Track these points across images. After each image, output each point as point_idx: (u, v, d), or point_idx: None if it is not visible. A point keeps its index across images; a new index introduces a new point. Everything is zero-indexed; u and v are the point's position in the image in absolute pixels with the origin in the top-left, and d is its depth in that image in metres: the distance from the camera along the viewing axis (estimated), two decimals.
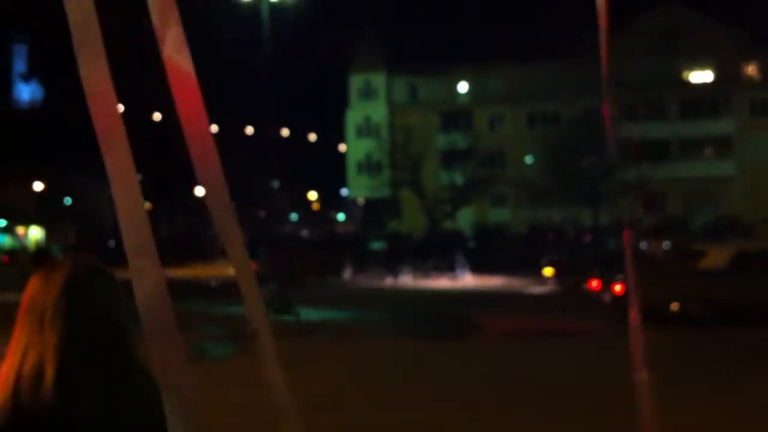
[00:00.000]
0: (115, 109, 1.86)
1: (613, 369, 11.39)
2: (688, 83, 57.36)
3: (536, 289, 26.02)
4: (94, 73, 1.74)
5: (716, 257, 16.09)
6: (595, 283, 17.48)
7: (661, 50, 54.65)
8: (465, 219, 52.96)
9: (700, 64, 56.76)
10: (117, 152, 1.79)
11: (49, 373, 1.69)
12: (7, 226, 57.81)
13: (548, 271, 26.21)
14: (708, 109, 55.73)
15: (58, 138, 53.87)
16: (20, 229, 58.77)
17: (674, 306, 15.42)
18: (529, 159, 55.16)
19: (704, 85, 56.73)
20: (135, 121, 62.06)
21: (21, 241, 56.81)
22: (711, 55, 55.61)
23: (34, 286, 1.81)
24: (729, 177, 54.70)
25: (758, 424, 7.96)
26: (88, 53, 1.68)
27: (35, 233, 58.37)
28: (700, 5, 54.25)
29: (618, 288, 15.95)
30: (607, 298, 16.48)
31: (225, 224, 1.91)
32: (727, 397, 9.24)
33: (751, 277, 15.47)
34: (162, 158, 64.66)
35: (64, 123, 54.13)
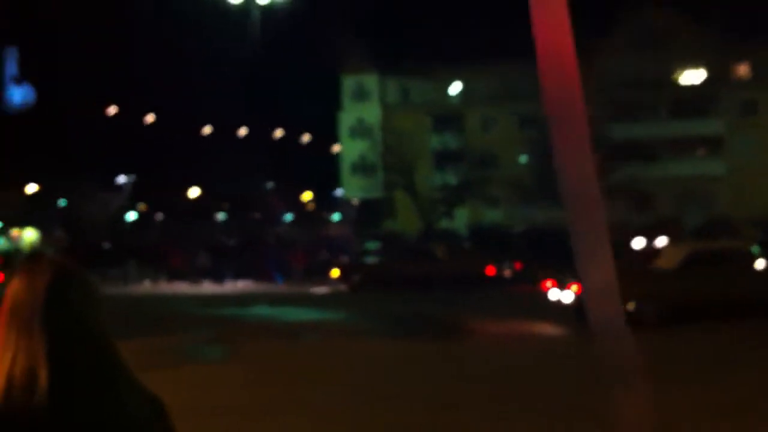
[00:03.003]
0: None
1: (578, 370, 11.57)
2: (678, 83, 57.59)
3: (319, 290, 26.66)
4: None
5: (669, 257, 16.10)
6: (549, 284, 17.35)
7: (651, 51, 54.86)
8: (461, 219, 53.15)
9: (691, 65, 56.99)
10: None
11: (43, 378, 1.67)
12: (1, 228, 57.80)
13: (335, 273, 26.92)
14: (698, 109, 55.96)
15: (51, 140, 53.85)
16: (14, 232, 58.75)
17: (629, 305, 15.41)
18: (524, 159, 55.34)
19: (694, 86, 56.96)
20: (128, 121, 62.03)
21: (15, 244, 56.78)
22: (701, 56, 55.83)
23: (16, 288, 1.77)
24: (719, 177, 54.94)
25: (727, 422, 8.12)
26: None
27: (30, 235, 58.36)
28: (692, 6, 54.48)
29: (575, 288, 15.84)
30: (565, 298, 16.39)
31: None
32: (681, 396, 9.36)
33: (702, 277, 15.41)
34: (154, 159, 64.57)
35: (57, 125, 54.09)
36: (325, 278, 32.25)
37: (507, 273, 26.74)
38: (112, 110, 60.05)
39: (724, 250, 16.53)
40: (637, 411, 1.91)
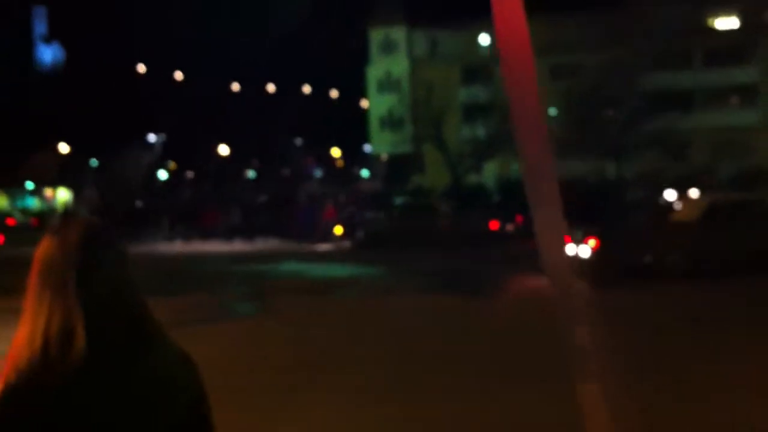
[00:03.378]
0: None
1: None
2: (713, 30, 56.42)
3: (322, 247, 26.71)
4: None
5: (689, 209, 15.92)
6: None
7: None
8: (489, 173, 52.88)
9: (725, 11, 55.76)
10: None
11: (80, 333, 1.69)
12: (35, 188, 58.53)
13: (338, 230, 27.03)
14: (733, 57, 54.87)
15: (82, 100, 54.16)
16: (48, 192, 59.47)
17: (648, 258, 15.22)
18: (553, 111, 54.75)
19: (729, 33, 55.78)
20: (156, 79, 62.23)
21: (49, 204, 57.51)
22: (736, 2, 54.58)
23: (48, 246, 1.78)
24: (754, 126, 54.03)
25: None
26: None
27: (63, 195, 59.06)
28: None
29: (593, 243, 15.49)
30: (581, 253, 15.98)
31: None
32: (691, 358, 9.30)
33: (723, 229, 15.23)
34: (183, 117, 64.89)
35: (88, 84, 54.36)
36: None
37: (509, 228, 27.00)
38: (141, 68, 60.23)
39: (744, 201, 16.30)
40: (586, 344, 2.33)
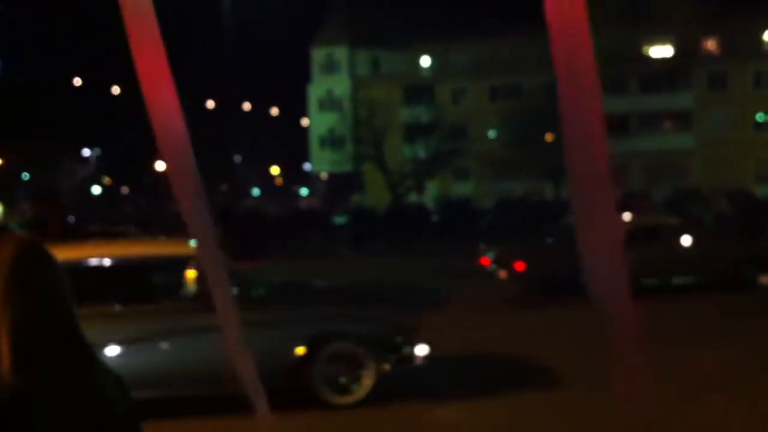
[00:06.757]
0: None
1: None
2: (648, 57, 57.82)
3: None
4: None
5: None
6: (484, 260, 16.37)
7: (621, 24, 54.98)
8: (431, 193, 53.18)
9: (660, 39, 57.24)
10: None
11: (5, 352, 1.60)
12: None
13: None
14: (667, 83, 56.29)
15: (15, 110, 52.89)
16: None
17: (573, 279, 14.98)
18: (492, 133, 55.32)
19: (664, 59, 57.25)
20: (93, 94, 61.14)
21: None
22: (671, 30, 56.08)
23: None
24: (688, 150, 55.41)
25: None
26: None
27: None
28: None
29: (520, 265, 15.26)
30: (502, 275, 15.77)
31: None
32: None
33: (635, 253, 15.30)
34: (120, 132, 63.83)
35: (22, 95, 53.15)
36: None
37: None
38: (77, 81, 59.16)
39: (658, 225, 16.40)
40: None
